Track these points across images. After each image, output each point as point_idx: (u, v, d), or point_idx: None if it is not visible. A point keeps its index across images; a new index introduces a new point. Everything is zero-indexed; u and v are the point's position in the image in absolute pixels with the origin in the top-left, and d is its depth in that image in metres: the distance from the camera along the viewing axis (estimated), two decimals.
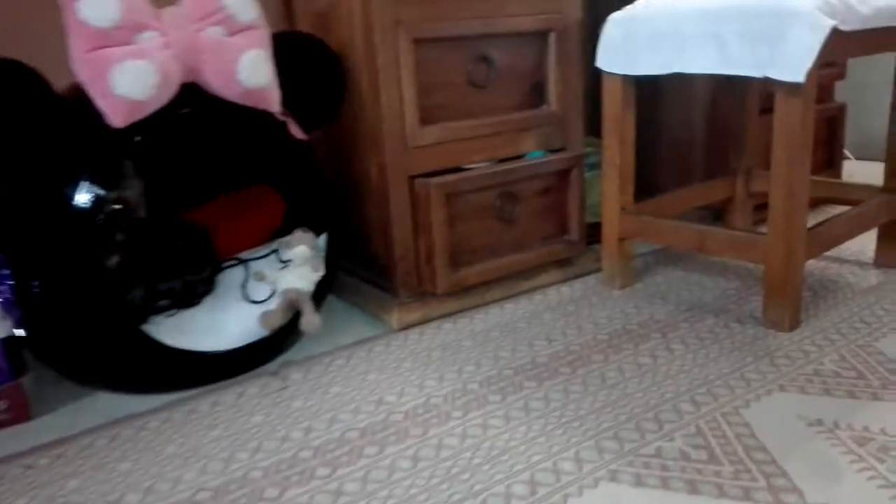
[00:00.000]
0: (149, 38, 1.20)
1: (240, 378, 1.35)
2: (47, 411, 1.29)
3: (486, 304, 1.60)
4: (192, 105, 1.28)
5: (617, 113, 1.56)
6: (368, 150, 1.52)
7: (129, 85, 1.16)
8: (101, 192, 1.26)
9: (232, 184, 1.63)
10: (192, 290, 1.43)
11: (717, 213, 1.92)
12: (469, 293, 1.59)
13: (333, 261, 1.48)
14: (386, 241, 1.53)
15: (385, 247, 1.54)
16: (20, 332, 1.25)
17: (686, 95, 1.98)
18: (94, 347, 1.24)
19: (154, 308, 1.38)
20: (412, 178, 1.49)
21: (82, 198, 1.18)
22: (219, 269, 1.48)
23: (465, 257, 1.54)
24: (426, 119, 1.49)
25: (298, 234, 1.39)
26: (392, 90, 1.43)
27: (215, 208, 1.57)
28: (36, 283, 1.19)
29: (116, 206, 1.32)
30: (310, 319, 1.37)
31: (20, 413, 1.27)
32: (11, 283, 1.22)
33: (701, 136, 1.97)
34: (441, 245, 1.49)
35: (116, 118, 1.16)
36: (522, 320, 1.51)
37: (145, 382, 1.30)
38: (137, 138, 1.21)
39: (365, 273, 1.67)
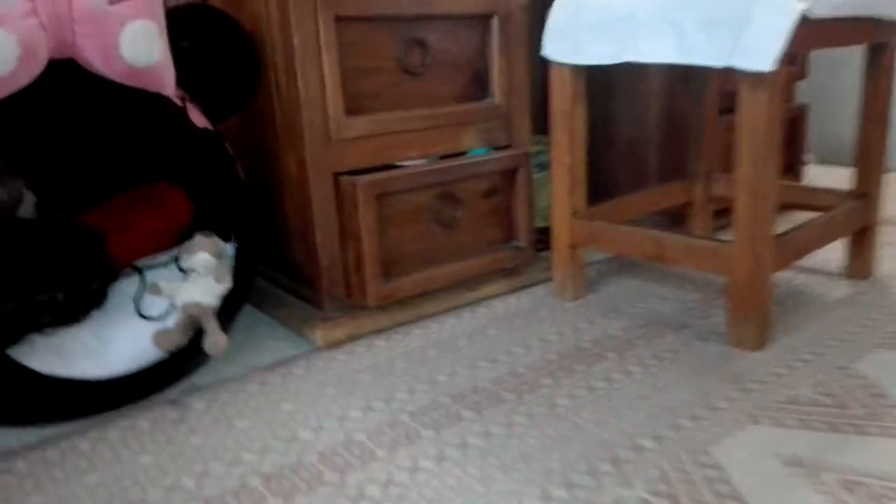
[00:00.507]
0: (10, 3, 0.99)
1: (132, 407, 1.14)
2: None
3: (424, 318, 1.43)
4: (69, 86, 1.07)
5: (566, 106, 1.40)
6: (286, 143, 1.33)
7: None
8: None
9: (130, 181, 1.42)
10: (79, 303, 1.22)
11: (676, 219, 1.79)
12: (404, 306, 1.41)
13: (246, 270, 1.29)
14: (309, 247, 1.34)
15: (308, 254, 1.36)
16: None
17: (640, 90, 1.84)
18: None
19: (30, 324, 1.17)
20: (337, 175, 1.31)
21: None
22: (112, 278, 1.27)
23: (399, 266, 1.37)
24: (352, 109, 1.31)
25: (199, 239, 1.19)
26: (311, 74, 1.25)
27: (110, 209, 1.36)
28: None
29: None
30: (214, 339, 1.17)
31: None
32: None
33: (656, 135, 1.83)
34: (371, 252, 1.31)
35: None
36: (464, 337, 1.34)
37: (14, 414, 1.09)
38: None
39: (288, 282, 1.48)
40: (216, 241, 1.21)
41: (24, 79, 1.01)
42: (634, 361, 1.20)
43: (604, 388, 1.12)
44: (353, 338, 1.35)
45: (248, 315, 1.48)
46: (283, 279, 1.49)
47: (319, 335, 1.32)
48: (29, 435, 1.09)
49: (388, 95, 1.36)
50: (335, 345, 1.33)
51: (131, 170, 1.43)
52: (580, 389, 1.12)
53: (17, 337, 1.14)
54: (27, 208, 1.39)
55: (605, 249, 1.40)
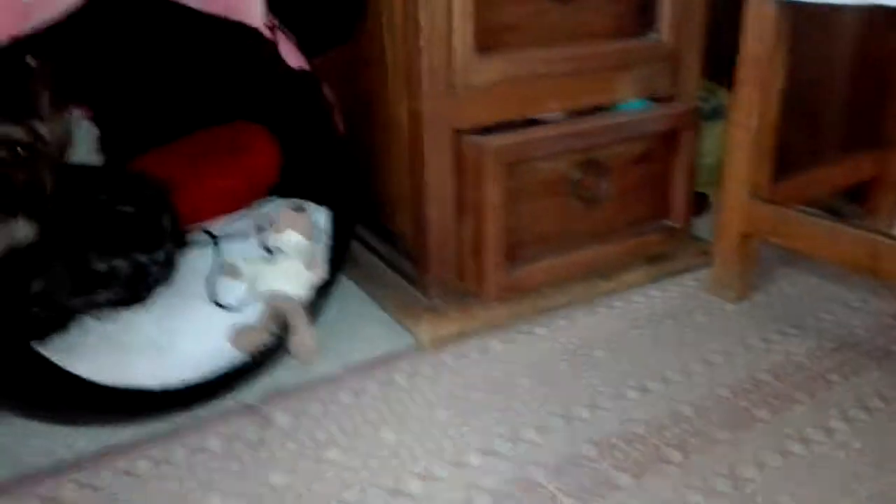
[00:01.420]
0: None
1: (199, 413, 0.94)
2: None
3: (548, 311, 1.17)
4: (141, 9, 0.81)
5: (762, 52, 1.06)
6: (397, 90, 1.05)
7: None
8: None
9: (205, 121, 1.17)
10: (142, 277, 1.00)
11: (851, 196, 1.43)
12: (525, 296, 1.15)
13: (340, 244, 1.04)
14: (417, 219, 1.08)
15: (415, 227, 1.10)
16: None
17: (825, 27, 1.45)
18: None
19: (83, 303, 0.96)
20: (458, 133, 1.03)
21: None
22: (181, 246, 1.05)
23: (527, 250, 1.10)
24: (485, 45, 1.01)
25: (288, 215, 0.94)
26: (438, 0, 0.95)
27: (179, 154, 1.12)
28: None
29: (21, 151, 0.89)
30: (302, 340, 0.94)
31: None
32: None
33: (843, 87, 1.45)
34: (495, 232, 1.04)
35: None
36: (601, 343, 1.08)
37: (52, 412, 0.89)
38: (30, 60, 0.75)
39: (387, 252, 1.23)
40: (309, 216, 0.95)
41: (69, 3, 0.75)
42: (835, 412, 0.92)
43: (800, 455, 0.85)
44: (463, 335, 1.10)
45: (339, 287, 1.25)
46: (382, 247, 1.24)
47: (424, 331, 1.08)
48: (78, 441, 0.90)
49: (529, 28, 1.05)
50: (442, 343, 1.09)
51: (208, 110, 1.18)
52: (767, 452, 0.85)
53: (64, 320, 0.93)
54: (87, 145, 1.17)
55: (792, 246, 1.10)
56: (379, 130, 1.13)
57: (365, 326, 1.14)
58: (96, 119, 1.21)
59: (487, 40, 1.01)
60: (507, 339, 1.10)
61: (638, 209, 1.19)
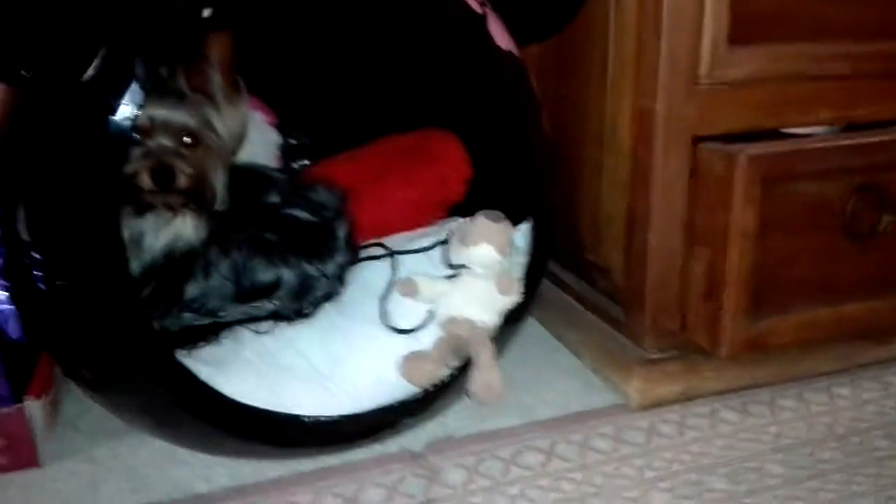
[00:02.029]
0: None
1: (354, 454, 0.77)
2: (67, 453, 0.80)
3: (797, 380, 0.90)
4: None
5: None
6: (621, 84, 0.86)
7: None
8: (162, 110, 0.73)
9: (393, 120, 1.04)
10: (309, 290, 0.86)
11: None
12: (771, 358, 0.89)
13: (537, 272, 0.85)
14: (632, 250, 0.87)
15: (628, 260, 0.89)
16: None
17: None
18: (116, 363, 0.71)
19: (244, 315, 0.84)
20: (698, 140, 0.81)
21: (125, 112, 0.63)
22: (353, 259, 0.90)
23: (777, 297, 0.84)
24: (741, 35, 0.80)
25: (482, 223, 0.77)
26: None
27: (360, 162, 0.99)
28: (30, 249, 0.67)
29: (187, 139, 0.78)
30: (486, 378, 0.75)
31: (21, 456, 0.78)
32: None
33: None
34: (739, 270, 0.80)
35: None
36: (877, 430, 0.80)
37: (191, 431, 0.75)
38: (206, 12, 0.63)
39: (582, 287, 1.02)
40: (508, 229, 0.77)
41: None
42: None
43: None
44: (685, 398, 0.87)
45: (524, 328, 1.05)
46: (577, 284, 1.03)
47: (635, 388, 0.85)
48: (218, 475, 0.76)
49: (798, 17, 0.82)
50: (657, 405, 0.86)
51: (396, 113, 1.05)
52: None
53: (217, 330, 0.81)
54: (266, 152, 1.07)
55: None
56: (583, 142, 0.94)
57: (556, 375, 0.93)
58: (280, 126, 1.11)
59: (745, 28, 0.80)
60: (742, 409, 0.85)
61: None
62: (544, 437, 0.80)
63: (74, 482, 0.76)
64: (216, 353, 0.77)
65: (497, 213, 0.77)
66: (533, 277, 0.83)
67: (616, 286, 0.93)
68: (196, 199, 0.80)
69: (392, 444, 0.80)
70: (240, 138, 0.86)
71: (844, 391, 0.88)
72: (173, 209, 0.79)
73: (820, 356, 0.91)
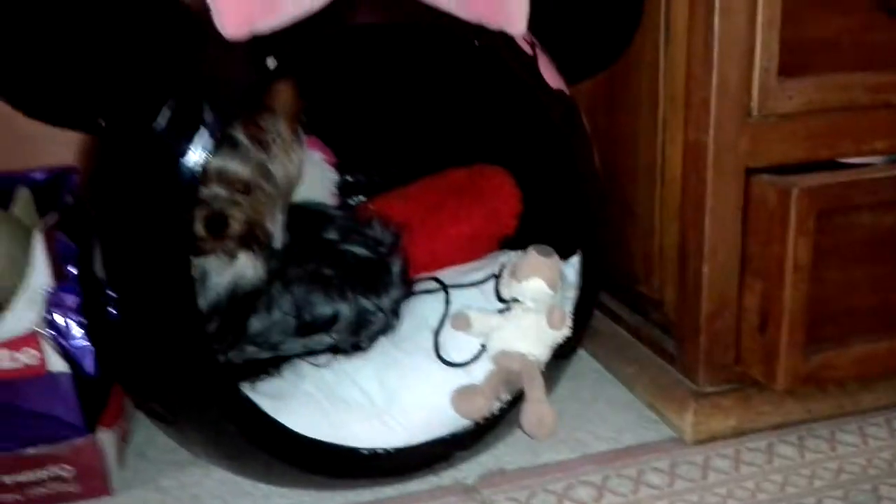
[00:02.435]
0: None
1: (407, 486, 0.79)
2: (136, 482, 0.84)
3: (856, 415, 0.88)
4: (375, 13, 0.72)
5: None
6: (672, 117, 0.87)
7: None
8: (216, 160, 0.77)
9: (444, 155, 1.07)
10: (366, 324, 0.89)
11: None
12: (829, 393, 0.87)
13: (588, 306, 0.86)
14: (685, 282, 0.87)
15: (681, 292, 0.88)
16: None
17: None
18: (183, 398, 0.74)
19: (304, 349, 0.87)
20: (750, 172, 0.81)
21: (195, 159, 0.67)
22: (409, 293, 0.92)
23: (835, 329, 0.83)
24: (792, 65, 0.80)
25: (533, 259, 0.78)
26: (737, 4, 0.76)
27: (413, 195, 1.02)
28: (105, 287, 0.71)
29: (239, 188, 0.81)
30: (538, 412, 0.76)
31: (94, 484, 0.82)
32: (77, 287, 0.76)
33: None
34: (794, 303, 0.79)
35: (229, 21, 0.63)
36: None
37: (251, 462, 0.78)
38: (271, 62, 0.67)
39: (635, 320, 1.02)
40: (558, 264, 0.78)
41: (313, 2, 0.67)
42: None
43: None
44: (740, 432, 0.86)
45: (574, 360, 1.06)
46: (629, 316, 1.03)
47: (689, 422, 0.85)
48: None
49: (851, 46, 0.82)
50: (712, 439, 0.85)
51: (449, 149, 1.08)
52: None
53: (278, 363, 0.84)
54: (324, 189, 1.10)
55: None
56: (635, 175, 0.95)
57: (607, 409, 0.93)
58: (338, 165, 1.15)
59: (796, 59, 0.80)
60: (801, 445, 0.83)
61: None
62: (597, 472, 0.81)
63: None
64: (278, 386, 0.80)
65: (547, 248, 0.78)
66: (583, 312, 0.84)
67: (669, 319, 0.93)
68: (249, 243, 0.83)
69: (446, 477, 0.81)
70: (296, 181, 0.89)
71: None
72: (229, 253, 0.83)
73: (880, 389, 0.89)
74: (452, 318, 0.81)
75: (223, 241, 0.81)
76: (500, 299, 0.82)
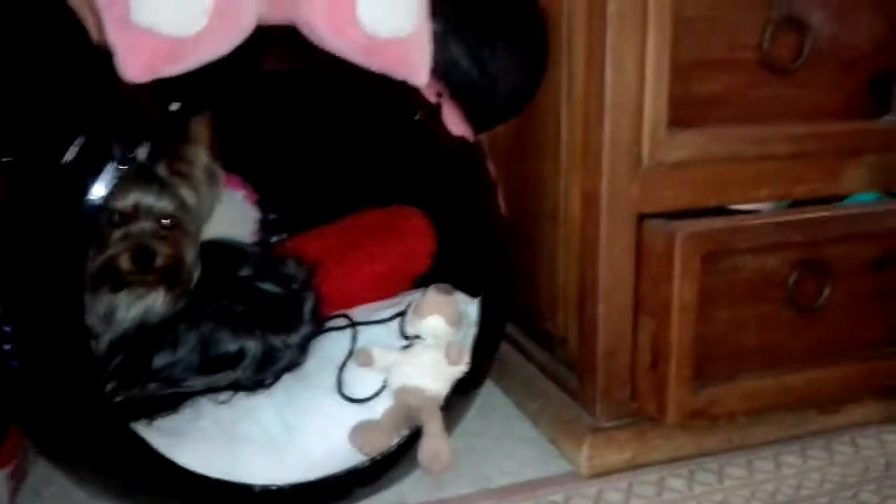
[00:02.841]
0: None
1: None
2: None
3: (745, 449, 0.92)
4: (280, 61, 0.75)
5: None
6: (570, 166, 0.92)
7: (155, 10, 0.65)
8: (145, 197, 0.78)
9: (360, 198, 1.09)
10: (273, 361, 0.90)
11: None
12: (718, 428, 0.92)
13: (490, 344, 0.89)
14: (583, 322, 0.91)
15: (581, 331, 0.92)
16: None
17: None
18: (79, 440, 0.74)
19: (207, 386, 0.87)
20: (642, 218, 0.86)
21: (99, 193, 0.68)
22: (317, 331, 0.94)
23: (722, 366, 0.88)
24: (679, 119, 0.85)
25: (432, 298, 0.81)
26: (627, 62, 0.81)
27: (329, 237, 1.04)
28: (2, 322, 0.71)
29: (165, 222, 0.83)
30: (434, 447, 0.78)
31: None
32: None
33: None
34: (682, 341, 0.84)
35: (131, 66, 0.65)
36: (821, 498, 0.82)
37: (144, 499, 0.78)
38: (174, 106, 0.69)
39: (540, 355, 1.06)
40: (457, 302, 0.81)
41: (221, 44, 0.69)
42: None
43: None
44: (634, 466, 0.89)
45: (484, 394, 1.08)
46: (538, 353, 1.07)
47: (586, 456, 0.88)
48: None
49: (737, 101, 0.88)
50: (607, 473, 0.88)
51: (363, 183, 1.11)
52: None
53: (179, 401, 0.84)
54: (244, 227, 1.11)
55: None
56: (541, 217, 0.99)
57: (511, 443, 0.96)
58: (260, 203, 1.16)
59: (685, 112, 0.85)
60: (691, 477, 0.87)
61: (870, 326, 0.93)
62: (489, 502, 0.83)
63: None
64: (175, 423, 0.80)
65: (447, 286, 0.81)
66: (485, 348, 0.87)
67: (572, 355, 0.96)
68: (172, 277, 0.84)
69: None
70: (207, 217, 0.91)
71: (792, 459, 0.90)
72: (148, 286, 0.84)
73: (768, 425, 0.93)
74: (356, 354, 0.83)
75: (147, 275, 0.82)
76: (404, 336, 0.84)
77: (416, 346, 0.81)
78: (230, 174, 1.10)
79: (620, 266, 0.86)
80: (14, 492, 0.86)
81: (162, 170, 0.85)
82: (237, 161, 1.11)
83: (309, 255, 0.98)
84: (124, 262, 0.80)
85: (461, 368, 0.80)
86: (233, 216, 1.08)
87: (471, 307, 0.87)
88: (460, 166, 0.85)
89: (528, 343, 1.09)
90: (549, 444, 0.95)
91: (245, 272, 0.94)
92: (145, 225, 0.82)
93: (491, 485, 0.87)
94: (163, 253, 0.82)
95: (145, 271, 0.81)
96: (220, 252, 0.95)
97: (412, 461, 0.82)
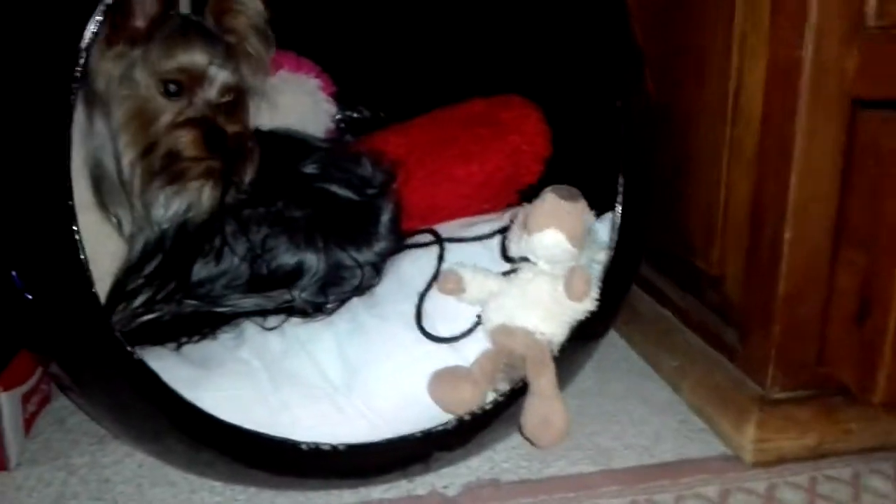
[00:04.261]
0: None
1: (369, 493, 0.60)
2: (44, 458, 0.67)
3: None
4: None
5: None
6: (752, 30, 0.65)
7: None
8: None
9: (457, 89, 0.86)
10: (338, 281, 0.70)
11: None
12: None
13: (625, 276, 0.65)
14: (757, 250, 0.66)
15: (751, 263, 0.67)
16: None
17: None
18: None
19: (254, 307, 0.69)
20: (858, 104, 0.59)
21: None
22: (398, 248, 0.73)
23: None
24: None
25: (550, 202, 0.57)
26: None
27: (414, 131, 0.83)
28: None
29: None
30: (544, 412, 0.56)
31: None
32: None
33: None
34: None
35: None
36: None
37: (179, 450, 0.60)
38: None
39: (685, 300, 0.81)
40: (583, 211, 0.58)
41: None
42: None
43: None
44: (820, 454, 0.64)
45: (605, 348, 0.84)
46: (678, 295, 0.82)
47: (751, 437, 0.64)
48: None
49: None
50: (781, 460, 0.64)
51: (467, 67, 0.88)
52: None
53: (218, 322, 0.65)
54: (319, 124, 0.92)
55: None
56: (699, 109, 0.73)
57: (638, 408, 0.74)
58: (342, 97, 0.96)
59: None
60: None
61: None
62: (622, 493, 0.61)
63: (41, 491, 0.63)
64: (209, 350, 0.62)
65: (571, 189, 0.58)
66: (618, 282, 0.63)
67: (731, 301, 0.72)
68: (233, 162, 0.67)
69: (422, 484, 0.62)
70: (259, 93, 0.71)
71: None
72: (205, 176, 0.66)
73: None
74: (441, 278, 0.61)
75: (213, 160, 0.65)
76: (507, 258, 0.62)
77: (523, 272, 0.59)
78: (301, 57, 0.92)
79: (821, 174, 0.61)
80: (33, 416, 0.71)
81: (210, 22, 0.67)
82: (310, 41, 0.92)
83: (386, 153, 0.78)
84: (189, 144, 0.64)
85: (585, 306, 0.57)
86: (300, 108, 0.89)
87: (601, 225, 0.64)
88: (598, 28, 0.61)
89: (663, 282, 0.84)
90: (692, 414, 0.72)
91: (309, 169, 0.74)
92: (210, 94, 0.65)
93: (614, 464, 0.65)
94: (231, 132, 0.65)
95: (213, 154, 0.65)
96: (278, 144, 0.76)
97: (510, 426, 0.61)
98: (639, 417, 0.72)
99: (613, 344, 0.84)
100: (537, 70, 0.83)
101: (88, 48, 0.50)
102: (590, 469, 0.64)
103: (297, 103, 0.89)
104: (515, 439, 0.66)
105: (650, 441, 0.68)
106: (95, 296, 0.52)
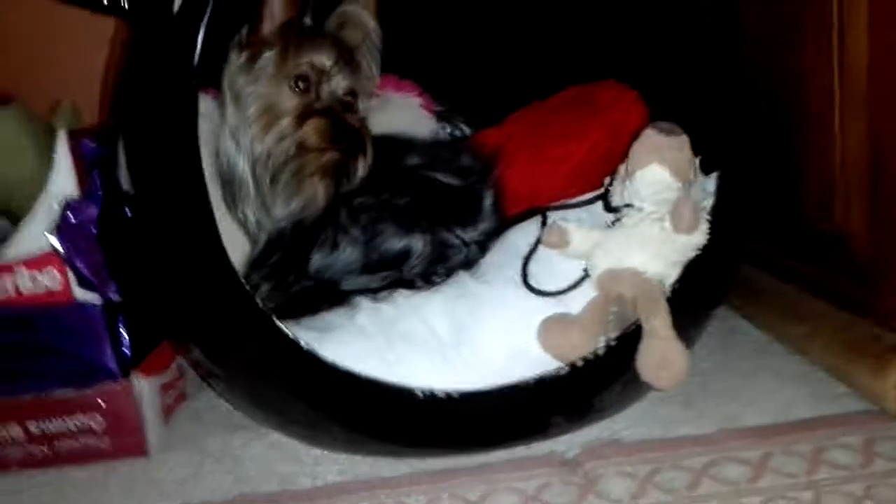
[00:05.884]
0: None
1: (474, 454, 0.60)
2: (179, 443, 0.71)
3: None
4: None
5: None
6: None
7: None
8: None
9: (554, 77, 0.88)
10: (443, 259, 0.72)
11: None
12: None
13: (732, 245, 0.63)
14: (882, 196, 0.62)
15: (877, 211, 0.64)
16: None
17: None
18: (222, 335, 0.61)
19: (366, 287, 0.71)
20: None
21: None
22: (502, 225, 0.74)
23: None
24: None
25: (651, 136, 0.57)
26: None
27: (510, 123, 0.85)
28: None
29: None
30: (661, 351, 0.54)
31: (127, 441, 0.70)
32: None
33: None
34: None
35: None
36: None
37: (302, 420, 0.62)
38: None
39: (804, 268, 0.76)
40: (684, 146, 0.57)
41: None
42: None
43: None
44: None
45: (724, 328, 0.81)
46: (797, 265, 0.78)
47: (892, 385, 0.59)
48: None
49: None
50: None
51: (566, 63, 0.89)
52: None
53: (335, 300, 0.68)
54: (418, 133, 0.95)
55: None
56: (804, 59, 0.71)
57: (772, 381, 0.69)
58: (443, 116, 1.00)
59: None
60: None
61: None
62: (754, 447, 0.57)
63: (178, 471, 0.66)
64: (327, 319, 0.65)
65: (672, 124, 0.57)
66: (727, 247, 0.61)
67: (857, 258, 0.67)
68: (356, 154, 0.72)
69: (539, 448, 0.61)
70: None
71: None
72: (325, 172, 0.71)
73: None
74: (545, 233, 0.61)
75: (334, 152, 0.71)
76: (611, 209, 0.61)
77: (628, 217, 0.58)
78: (403, 79, 0.97)
79: None
80: (170, 408, 0.75)
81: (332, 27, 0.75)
82: (411, 64, 0.97)
83: (488, 146, 0.80)
84: (315, 133, 0.69)
85: (695, 240, 0.56)
86: (402, 124, 0.93)
87: (708, 181, 0.62)
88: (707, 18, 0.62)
89: (783, 258, 0.80)
90: (827, 381, 0.67)
91: (413, 161, 0.78)
92: (336, 89, 0.71)
93: (745, 422, 0.61)
94: (354, 124, 0.71)
95: (335, 146, 0.70)
96: (384, 142, 0.80)
97: (626, 383, 0.59)
98: (768, 388, 0.67)
99: (729, 321, 0.80)
100: (633, 60, 0.84)
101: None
102: (717, 429, 0.60)
103: (399, 119, 0.93)
104: (636, 408, 0.64)
105: (781, 405, 0.63)
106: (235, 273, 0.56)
